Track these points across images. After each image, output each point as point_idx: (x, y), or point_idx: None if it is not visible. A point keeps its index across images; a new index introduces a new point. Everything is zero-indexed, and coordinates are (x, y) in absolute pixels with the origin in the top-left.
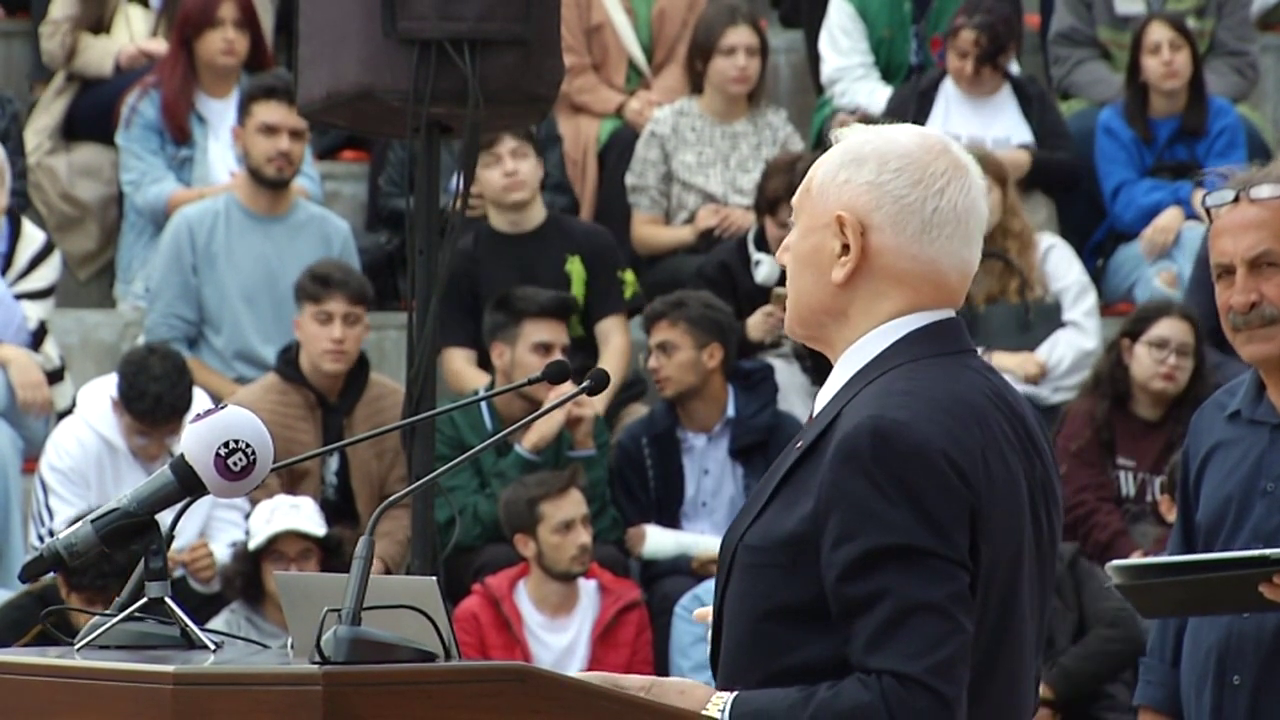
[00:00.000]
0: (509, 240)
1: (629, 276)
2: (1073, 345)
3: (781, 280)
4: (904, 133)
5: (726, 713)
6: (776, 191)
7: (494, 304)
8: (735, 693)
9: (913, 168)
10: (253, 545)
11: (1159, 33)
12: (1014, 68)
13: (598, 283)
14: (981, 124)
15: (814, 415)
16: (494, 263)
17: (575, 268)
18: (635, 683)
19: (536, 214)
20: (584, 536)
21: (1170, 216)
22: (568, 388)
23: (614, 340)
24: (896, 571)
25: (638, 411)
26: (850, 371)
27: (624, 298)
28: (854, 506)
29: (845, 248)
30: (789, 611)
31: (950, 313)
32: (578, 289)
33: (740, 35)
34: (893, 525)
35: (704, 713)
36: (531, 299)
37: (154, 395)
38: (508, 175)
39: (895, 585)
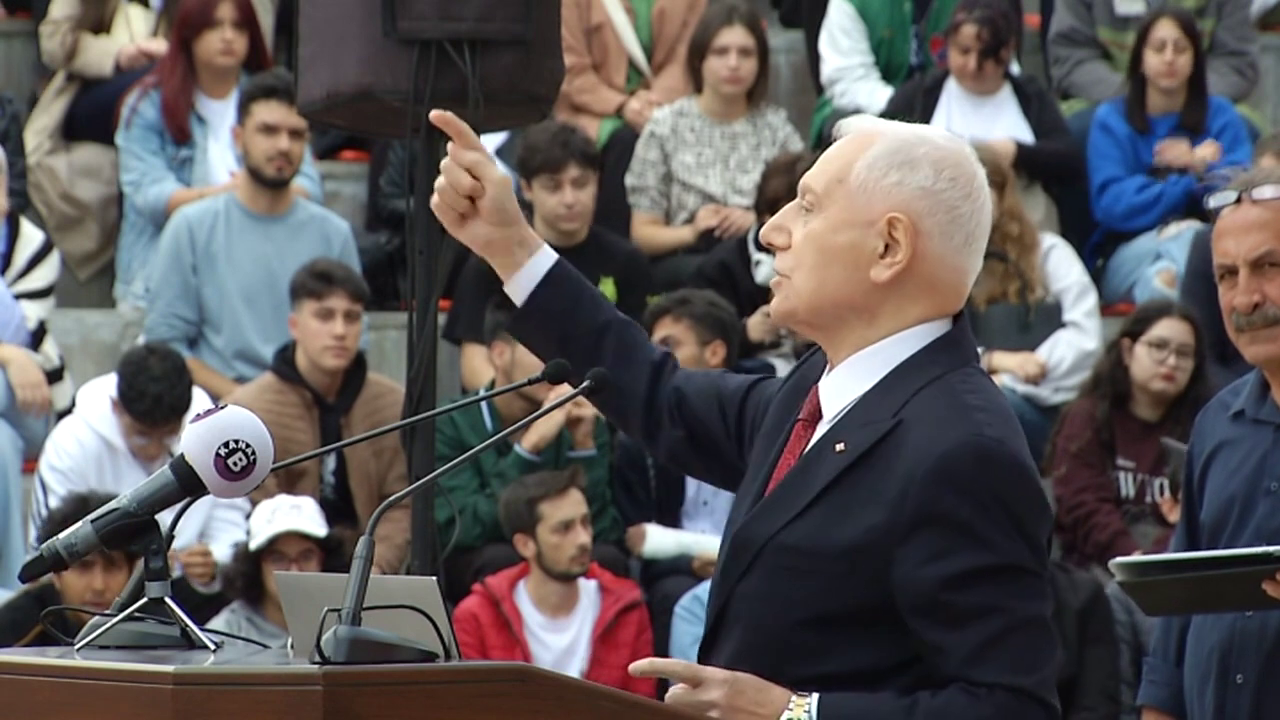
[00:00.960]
0: None
1: (653, 300)
2: (1073, 345)
3: None
4: (942, 136)
5: (813, 711)
6: (777, 191)
7: (495, 303)
8: (815, 694)
9: (964, 179)
10: (254, 545)
11: (1166, 30)
12: (1014, 67)
13: (626, 306)
14: (983, 124)
15: (820, 410)
16: None
17: (608, 288)
18: (717, 675)
19: (581, 230)
20: (583, 537)
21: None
22: (568, 388)
23: None
24: (1000, 588)
25: None
26: (873, 374)
27: (645, 322)
28: (956, 526)
29: (887, 248)
30: (836, 618)
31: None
32: None
33: (734, 36)
34: (997, 545)
35: (788, 713)
36: None
37: (153, 395)
38: (567, 206)
39: (1000, 601)
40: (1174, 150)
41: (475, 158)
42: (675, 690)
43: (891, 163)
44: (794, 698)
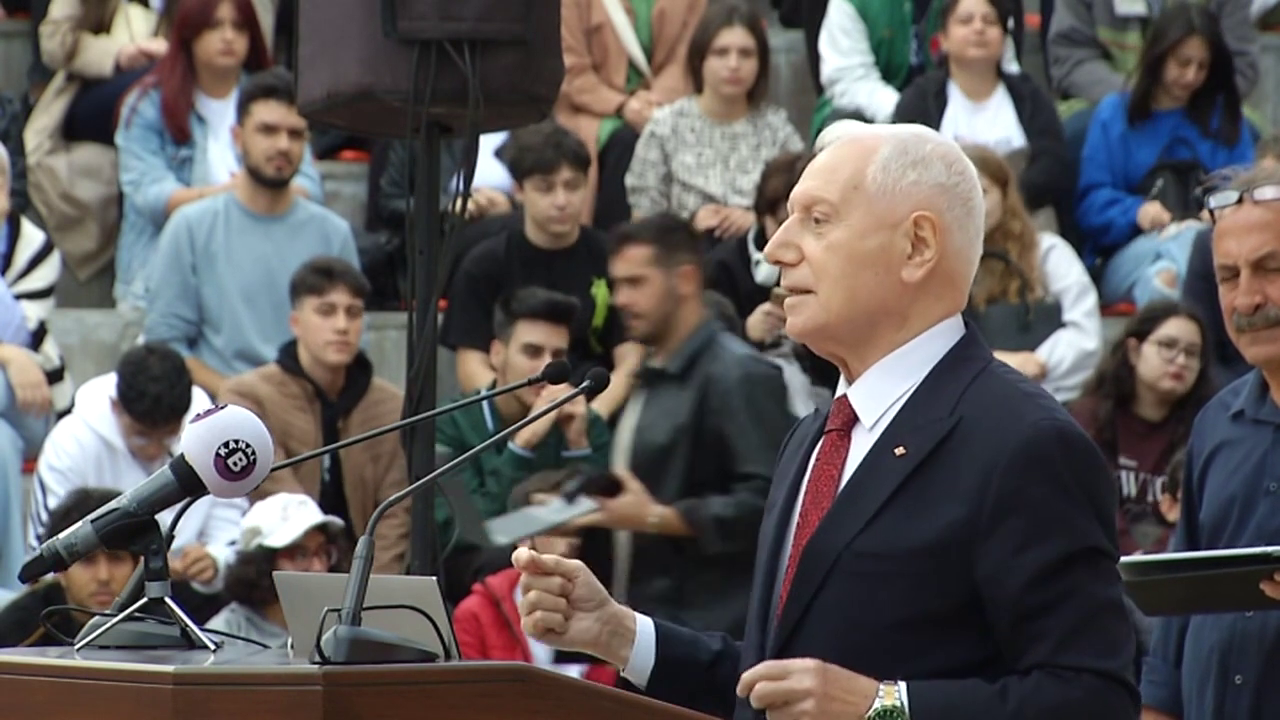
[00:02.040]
0: (540, 254)
1: None
2: (1073, 345)
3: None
4: (934, 133)
5: (905, 699)
6: (776, 191)
7: (501, 304)
8: (903, 682)
9: (969, 171)
10: (278, 543)
11: (1194, 50)
12: (1013, 67)
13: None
14: (981, 126)
15: (855, 417)
16: (522, 273)
17: (600, 290)
18: (807, 664)
19: (572, 231)
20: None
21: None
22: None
23: (630, 361)
24: (1085, 573)
25: None
26: (911, 374)
27: None
28: (1042, 512)
29: (914, 248)
30: (922, 619)
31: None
32: (600, 311)
33: (734, 36)
34: (1083, 529)
35: (879, 700)
36: (525, 300)
37: (153, 396)
38: (558, 208)
39: (1084, 586)
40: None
41: (555, 559)
42: (764, 686)
43: (905, 163)
44: (882, 685)
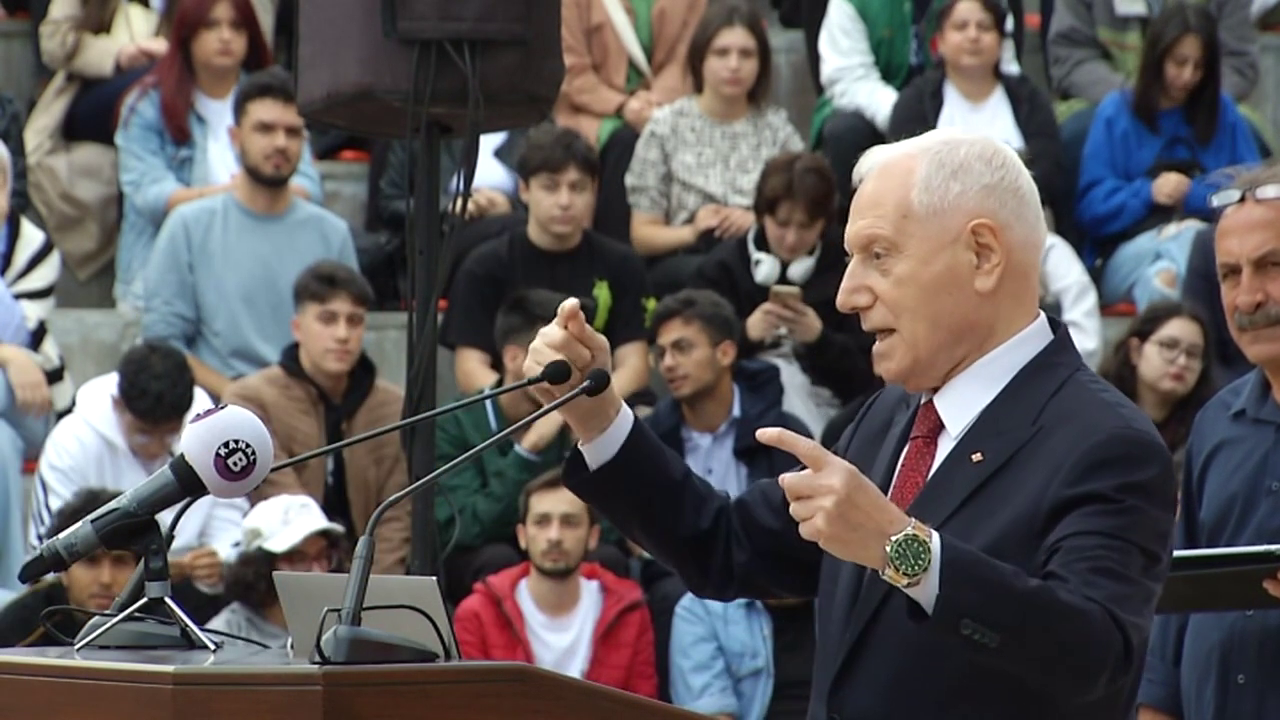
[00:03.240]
0: (543, 255)
1: (651, 304)
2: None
3: (782, 279)
4: (963, 132)
5: (936, 540)
6: (775, 191)
7: (508, 306)
8: (936, 531)
9: (1009, 159)
10: (278, 547)
11: (1190, 49)
12: (1013, 67)
13: (621, 308)
14: (978, 126)
15: (941, 424)
16: (524, 274)
17: (602, 292)
18: (844, 464)
19: (575, 234)
20: (554, 533)
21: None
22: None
23: (631, 363)
24: (1127, 558)
25: (642, 414)
26: (996, 381)
27: (645, 325)
28: (1101, 501)
29: (980, 256)
30: None
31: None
32: (601, 313)
33: (734, 37)
34: (1138, 529)
35: (909, 529)
36: (546, 303)
37: (155, 394)
38: (563, 208)
39: (1124, 559)
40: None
41: (592, 331)
42: (794, 473)
43: (945, 175)
44: (915, 520)
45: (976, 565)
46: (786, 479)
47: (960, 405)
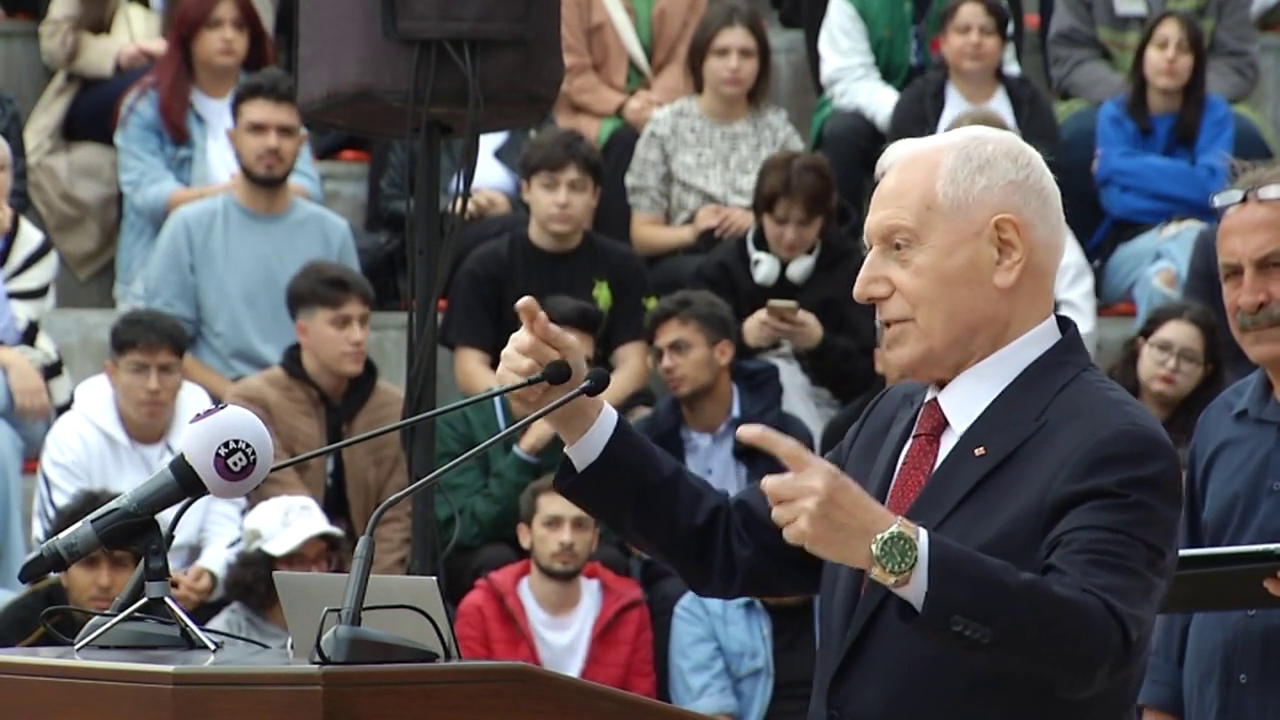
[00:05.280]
0: (544, 256)
1: (652, 304)
2: None
3: (780, 285)
4: (990, 129)
5: (923, 537)
6: (773, 188)
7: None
8: (924, 530)
9: (1035, 160)
10: (278, 550)
11: (1169, 29)
12: (1013, 67)
13: (621, 308)
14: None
15: (945, 422)
16: (524, 274)
17: (602, 293)
18: (825, 465)
19: (575, 234)
20: (567, 535)
21: None
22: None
23: (630, 363)
24: (1131, 552)
25: (642, 415)
26: (1001, 379)
27: (645, 326)
28: (1105, 497)
29: (1002, 252)
30: None
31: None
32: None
33: (734, 37)
34: (1143, 525)
35: (895, 525)
36: (554, 307)
37: (146, 323)
38: (560, 206)
39: (1127, 552)
40: None
41: (557, 330)
42: (775, 476)
43: (971, 169)
44: (901, 518)
45: (965, 561)
46: (768, 483)
47: (965, 403)
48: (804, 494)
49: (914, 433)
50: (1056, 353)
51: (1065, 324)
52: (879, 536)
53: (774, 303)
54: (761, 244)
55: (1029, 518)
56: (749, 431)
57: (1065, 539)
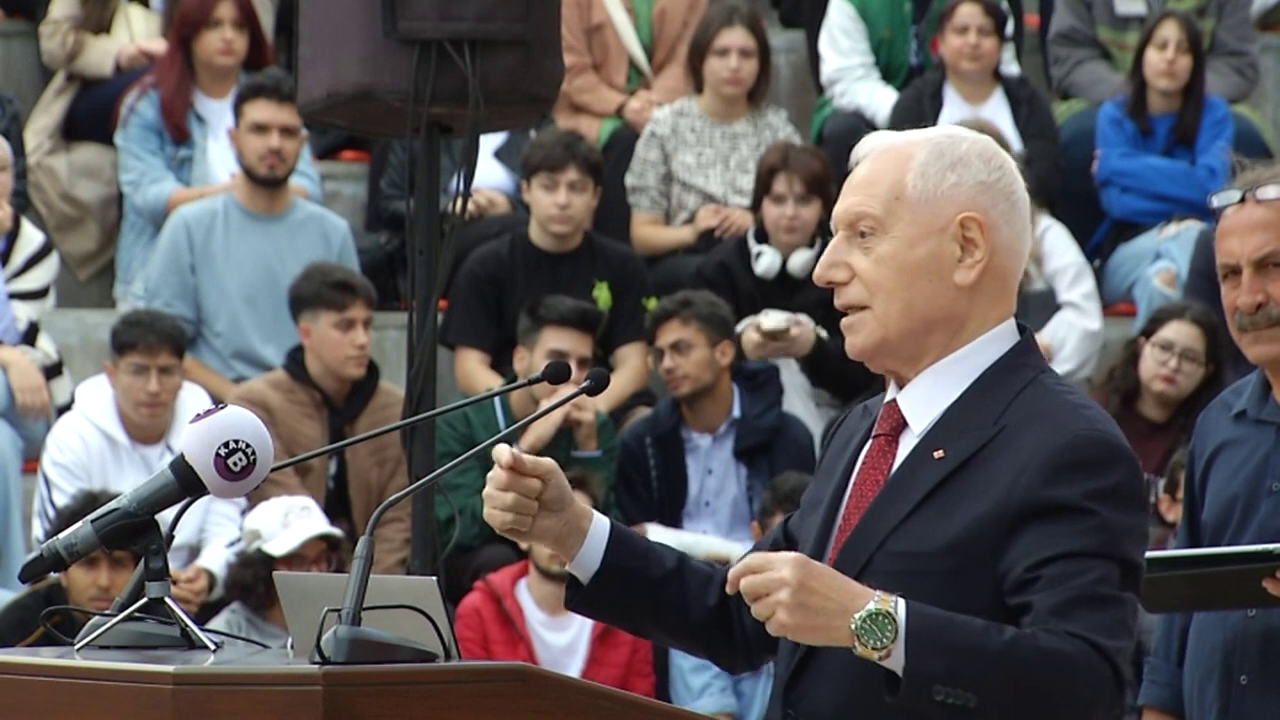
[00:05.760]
0: (544, 256)
1: (652, 305)
2: (1075, 326)
3: (781, 279)
4: (967, 130)
5: (900, 608)
6: (772, 163)
7: (525, 310)
8: (900, 598)
9: (1007, 164)
10: (277, 551)
11: (1169, 31)
12: (1013, 67)
13: (621, 309)
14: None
15: (904, 422)
16: (525, 275)
17: (602, 293)
18: (787, 555)
19: (576, 235)
20: None
21: None
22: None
23: (631, 363)
24: (1101, 568)
25: (642, 415)
26: (960, 380)
27: (645, 326)
28: (1069, 511)
29: (964, 250)
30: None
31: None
32: None
33: (735, 37)
34: (1110, 537)
35: (872, 604)
36: (554, 307)
37: (146, 324)
38: (560, 207)
39: (1096, 573)
40: None
41: (533, 460)
42: (747, 579)
43: (943, 166)
44: (879, 593)
45: (944, 630)
46: (740, 584)
47: (924, 403)
48: (775, 586)
49: (873, 433)
50: (1015, 355)
51: (1023, 327)
52: (857, 615)
53: (767, 327)
54: (762, 237)
55: (990, 522)
56: (730, 585)
57: (1044, 575)
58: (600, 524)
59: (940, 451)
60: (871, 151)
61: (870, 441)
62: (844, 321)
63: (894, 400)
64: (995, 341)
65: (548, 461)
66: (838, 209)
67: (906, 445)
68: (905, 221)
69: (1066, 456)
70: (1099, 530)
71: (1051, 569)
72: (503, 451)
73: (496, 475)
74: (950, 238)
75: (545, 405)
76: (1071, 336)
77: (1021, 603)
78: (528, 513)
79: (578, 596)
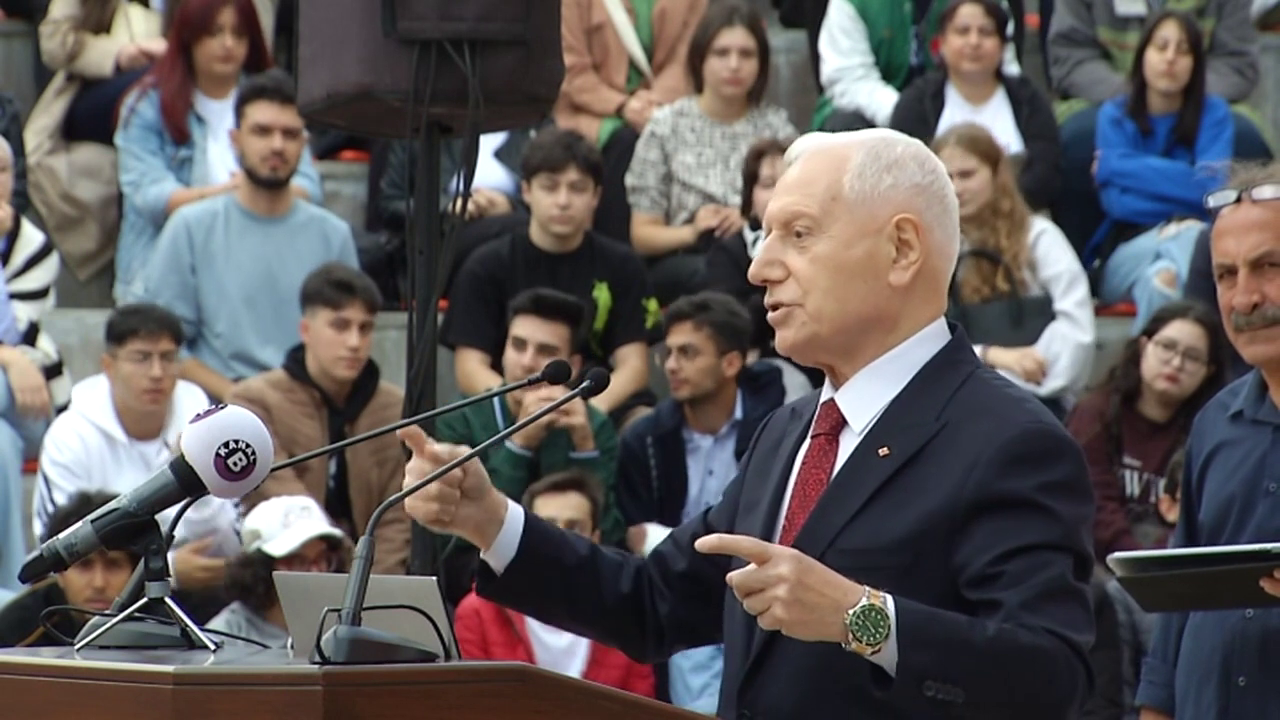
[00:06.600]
0: (544, 256)
1: (652, 305)
2: (1068, 340)
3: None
4: (900, 134)
5: (890, 603)
6: (761, 147)
7: (519, 301)
8: (890, 595)
9: (940, 169)
10: (277, 551)
11: (1169, 31)
12: (1013, 67)
13: (621, 309)
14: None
15: (843, 421)
16: (525, 275)
17: (602, 294)
18: (786, 551)
19: (576, 235)
20: None
21: None
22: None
23: (630, 364)
24: (1055, 560)
25: (643, 415)
26: (899, 378)
27: (645, 326)
28: (1020, 504)
29: (899, 251)
30: None
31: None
32: (601, 314)
33: (735, 37)
34: (1059, 529)
35: (865, 599)
36: (520, 296)
37: (145, 312)
38: (561, 208)
39: (1053, 567)
40: None
41: (447, 448)
42: (741, 570)
43: (879, 167)
44: (869, 589)
45: (932, 624)
46: (734, 578)
47: (863, 401)
48: (772, 583)
49: (812, 433)
50: (950, 352)
51: (953, 325)
52: (850, 611)
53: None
54: (757, 225)
55: (942, 516)
56: (707, 542)
57: (1005, 569)
58: (515, 511)
59: (885, 449)
60: (805, 152)
61: (809, 441)
62: (772, 316)
63: (832, 400)
64: (929, 340)
65: (464, 449)
66: (772, 207)
67: (848, 444)
68: (842, 222)
69: (1016, 450)
70: (1055, 523)
71: (1014, 564)
72: (417, 435)
73: (417, 465)
74: (886, 238)
75: (532, 403)
76: (1065, 351)
77: (987, 598)
78: (451, 502)
79: (491, 585)
